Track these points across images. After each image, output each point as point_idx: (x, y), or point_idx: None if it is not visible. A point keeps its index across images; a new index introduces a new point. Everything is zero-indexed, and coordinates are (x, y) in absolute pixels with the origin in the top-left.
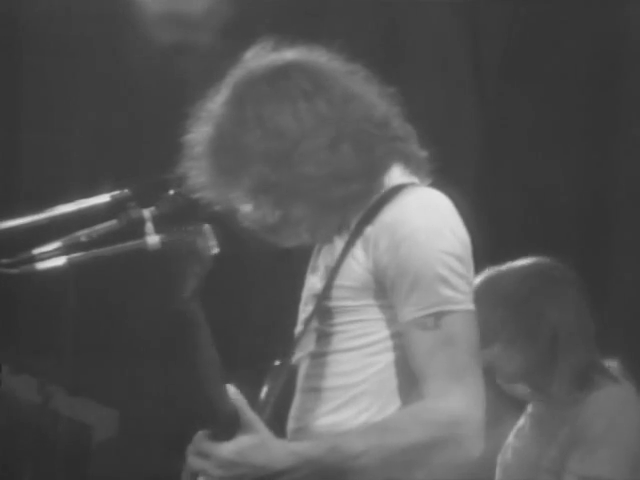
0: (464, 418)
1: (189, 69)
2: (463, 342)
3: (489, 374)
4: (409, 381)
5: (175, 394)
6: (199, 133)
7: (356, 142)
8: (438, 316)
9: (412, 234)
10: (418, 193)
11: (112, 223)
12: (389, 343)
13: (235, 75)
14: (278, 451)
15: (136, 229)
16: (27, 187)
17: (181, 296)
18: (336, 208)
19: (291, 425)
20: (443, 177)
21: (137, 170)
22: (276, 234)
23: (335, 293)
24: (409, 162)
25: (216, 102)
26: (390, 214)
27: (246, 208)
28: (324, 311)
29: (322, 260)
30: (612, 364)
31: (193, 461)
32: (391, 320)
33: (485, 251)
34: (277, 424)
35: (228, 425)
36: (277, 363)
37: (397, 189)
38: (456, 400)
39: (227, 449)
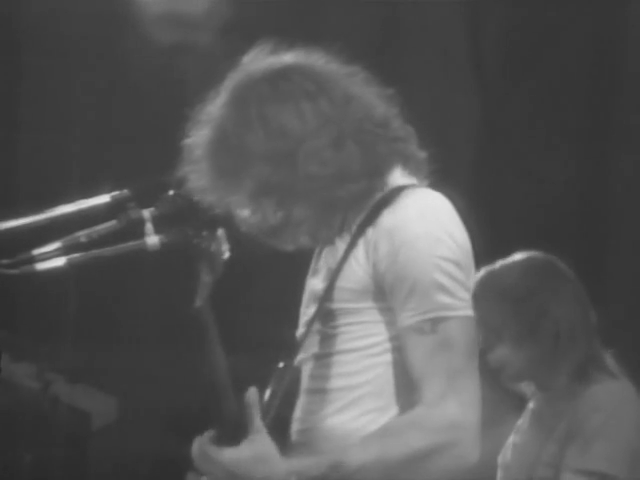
0: (460, 423)
1: (189, 69)
2: (460, 347)
3: (492, 375)
4: (412, 382)
5: (173, 382)
6: (198, 136)
7: (359, 142)
8: (435, 321)
9: (411, 240)
10: (418, 196)
11: (112, 223)
12: (391, 344)
13: (234, 78)
14: (278, 468)
15: (136, 229)
16: (27, 187)
17: (194, 306)
18: (338, 208)
19: (295, 426)
20: (441, 177)
21: (137, 171)
22: (276, 237)
23: (337, 295)
24: (409, 163)
25: (215, 105)
26: (390, 218)
27: (244, 212)
28: (326, 313)
29: (324, 262)
30: (609, 358)
31: (196, 461)
32: (392, 322)
33: (482, 249)
34: (281, 426)
35: (233, 430)
36: (280, 365)
37: (398, 190)
38: (452, 405)
39: (228, 457)
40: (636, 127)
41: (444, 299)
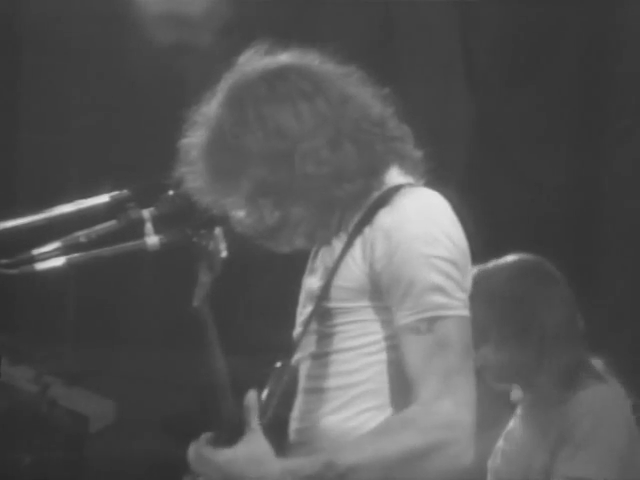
0: (455, 422)
1: (189, 69)
2: (456, 347)
3: (480, 375)
4: (408, 381)
5: (170, 385)
6: (195, 137)
7: (356, 141)
8: (431, 321)
9: (407, 240)
10: (415, 195)
11: (111, 223)
12: (388, 343)
13: (230, 78)
14: (273, 468)
15: (135, 230)
16: (27, 187)
17: (192, 305)
18: (336, 207)
19: (293, 425)
20: (437, 176)
21: (137, 171)
22: (273, 238)
23: (333, 294)
24: (405, 162)
25: (212, 105)
26: (387, 218)
27: (241, 213)
28: (323, 312)
29: (320, 261)
30: (597, 362)
31: (192, 463)
32: (389, 321)
33: (479, 248)
34: (279, 425)
35: (230, 431)
36: (278, 365)
37: (395, 190)
38: (447, 404)
39: (223, 457)
40: (628, 130)
41: (440, 299)
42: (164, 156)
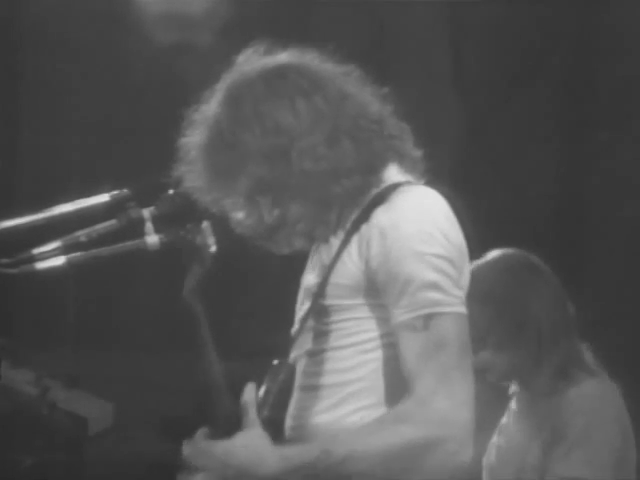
0: (451, 419)
1: (189, 69)
2: (452, 344)
3: (480, 374)
4: (405, 378)
5: (169, 388)
6: (194, 136)
7: (354, 138)
8: (427, 318)
9: (403, 238)
10: (413, 193)
11: (112, 223)
12: (385, 340)
13: (229, 78)
14: (269, 455)
15: (136, 229)
16: (27, 187)
17: (181, 295)
18: (334, 204)
19: (289, 423)
20: (434, 175)
21: (137, 170)
22: (272, 238)
23: (330, 291)
24: (404, 160)
25: (210, 104)
26: (384, 216)
27: (240, 214)
28: (320, 309)
29: (318, 258)
30: (588, 355)
31: (189, 457)
32: (385, 319)
33: (478, 246)
34: (275, 423)
35: (227, 426)
36: (275, 362)
37: (393, 187)
38: (442, 401)
39: (221, 448)
40: (617, 130)
41: (436, 296)
42: (164, 155)
